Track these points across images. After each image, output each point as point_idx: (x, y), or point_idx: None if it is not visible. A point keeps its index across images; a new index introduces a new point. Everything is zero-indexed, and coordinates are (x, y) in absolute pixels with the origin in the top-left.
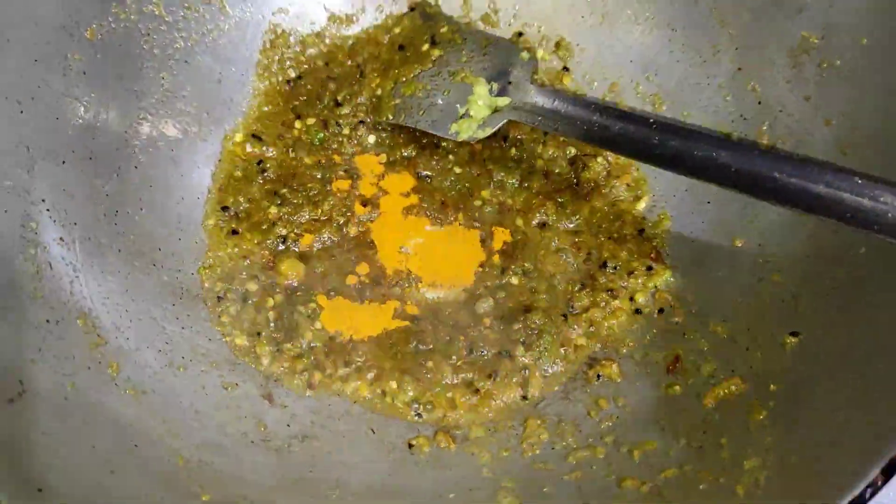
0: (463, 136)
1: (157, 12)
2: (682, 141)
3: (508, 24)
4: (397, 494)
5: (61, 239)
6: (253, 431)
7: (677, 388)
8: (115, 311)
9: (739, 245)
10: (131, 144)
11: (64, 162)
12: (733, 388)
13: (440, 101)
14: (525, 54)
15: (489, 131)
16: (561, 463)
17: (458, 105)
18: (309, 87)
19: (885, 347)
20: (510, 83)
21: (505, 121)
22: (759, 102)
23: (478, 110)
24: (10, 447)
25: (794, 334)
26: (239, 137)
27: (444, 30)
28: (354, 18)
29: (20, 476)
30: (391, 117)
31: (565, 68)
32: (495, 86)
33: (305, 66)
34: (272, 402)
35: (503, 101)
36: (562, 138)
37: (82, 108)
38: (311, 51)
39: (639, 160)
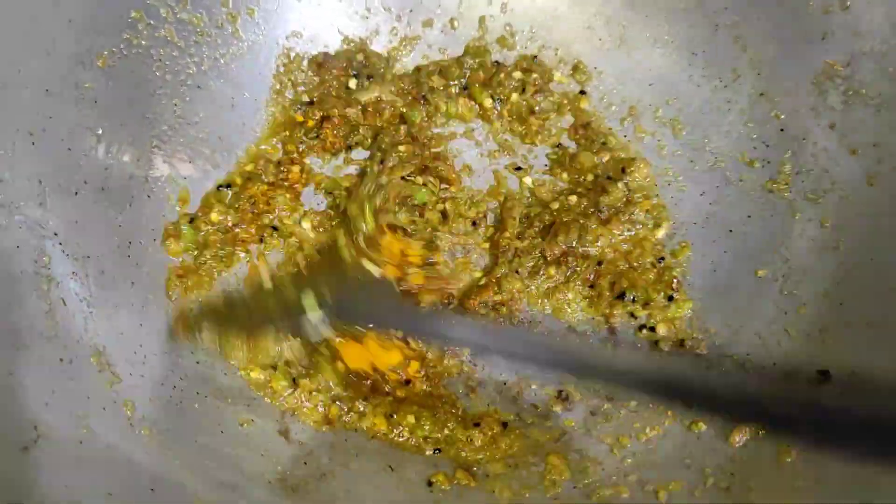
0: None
1: (169, 38)
2: None
3: (525, 46)
4: None
5: (74, 273)
6: (270, 471)
7: (702, 424)
8: (129, 348)
9: (762, 275)
10: (144, 174)
11: (76, 193)
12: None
13: None
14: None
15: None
16: (584, 502)
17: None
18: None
19: None
20: None
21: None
22: (782, 130)
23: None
24: (26, 497)
25: (822, 373)
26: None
27: None
28: (368, 42)
29: None
30: None
31: (582, 91)
32: None
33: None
34: (289, 438)
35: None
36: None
37: (95, 138)
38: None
39: None
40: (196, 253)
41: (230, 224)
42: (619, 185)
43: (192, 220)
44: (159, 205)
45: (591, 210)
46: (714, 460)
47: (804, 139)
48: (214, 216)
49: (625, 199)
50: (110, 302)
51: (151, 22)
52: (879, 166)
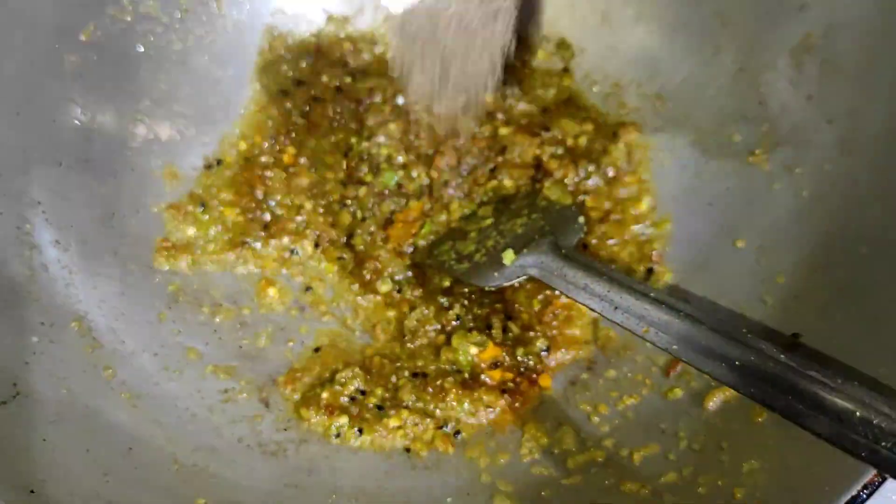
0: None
1: (152, 14)
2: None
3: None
4: (394, 498)
5: (57, 241)
6: (248, 436)
7: (678, 391)
8: (110, 315)
9: (741, 247)
10: (127, 147)
11: (60, 164)
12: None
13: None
14: (582, 219)
15: (504, 283)
16: (560, 467)
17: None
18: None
19: (884, 347)
20: (549, 241)
21: (525, 276)
22: (761, 102)
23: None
24: (4, 450)
25: (795, 336)
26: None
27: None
28: (352, 20)
29: (13, 479)
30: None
31: (565, 69)
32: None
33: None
34: (269, 406)
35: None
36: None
37: (79, 111)
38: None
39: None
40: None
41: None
42: (620, 144)
43: (203, 205)
44: (142, 177)
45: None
46: (688, 425)
47: (782, 111)
48: (227, 211)
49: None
50: (91, 270)
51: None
52: (855, 134)
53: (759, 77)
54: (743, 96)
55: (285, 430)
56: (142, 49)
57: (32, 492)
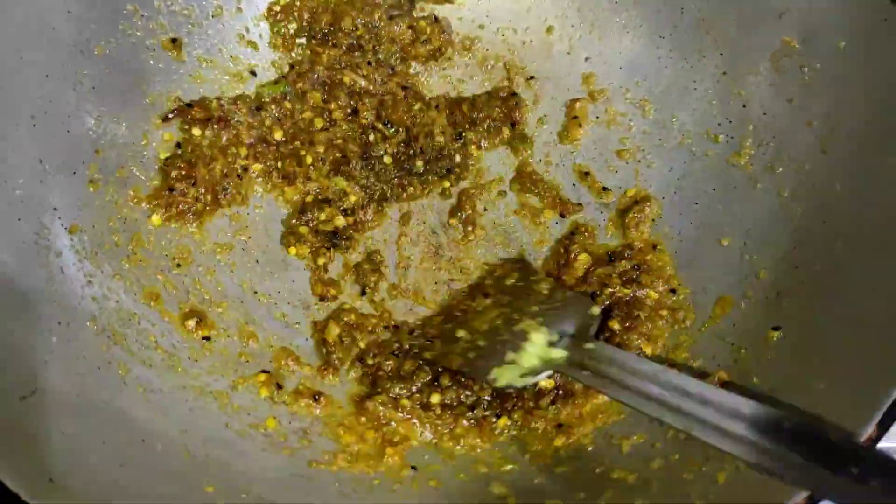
0: (501, 384)
1: (162, 29)
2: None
3: (497, 29)
4: (396, 484)
5: (73, 246)
6: (257, 427)
7: None
8: (123, 315)
9: (726, 244)
10: (140, 155)
11: (75, 173)
12: (717, 380)
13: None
14: (595, 309)
15: (529, 381)
16: (552, 455)
17: (508, 351)
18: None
19: (860, 338)
20: (572, 337)
21: (548, 373)
22: (744, 106)
23: (527, 359)
24: (24, 442)
25: (776, 329)
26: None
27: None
28: None
29: (33, 469)
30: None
31: None
32: (556, 337)
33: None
34: (275, 400)
35: (558, 355)
36: None
37: (93, 121)
38: None
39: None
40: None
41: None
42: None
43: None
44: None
45: None
46: None
47: (764, 114)
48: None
49: None
50: (106, 272)
51: (145, 14)
52: (832, 135)
53: (742, 81)
54: (726, 100)
55: (290, 422)
56: (152, 63)
57: (51, 480)
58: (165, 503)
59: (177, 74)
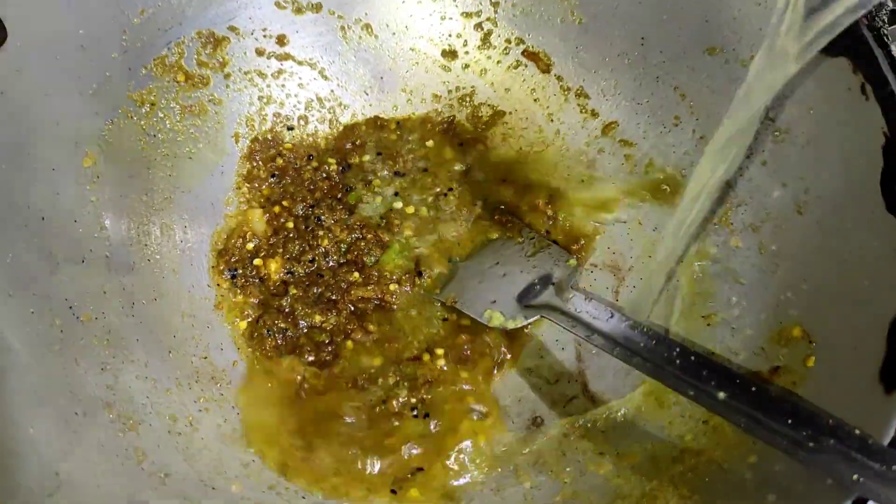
0: (494, 324)
1: (162, 116)
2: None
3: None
4: None
5: (84, 336)
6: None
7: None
8: (137, 401)
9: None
10: (143, 241)
11: (83, 261)
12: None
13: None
14: (572, 261)
15: (519, 323)
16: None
17: (490, 296)
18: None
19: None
20: (553, 284)
21: (535, 318)
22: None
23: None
24: None
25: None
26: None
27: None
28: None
29: None
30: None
31: None
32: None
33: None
34: (287, 475)
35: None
36: None
37: (97, 211)
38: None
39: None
40: None
41: None
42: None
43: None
44: (157, 268)
45: None
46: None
47: (742, 176)
48: None
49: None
50: (119, 358)
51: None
52: (806, 196)
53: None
54: None
55: (303, 497)
56: (151, 150)
57: None
58: None
59: (176, 157)
